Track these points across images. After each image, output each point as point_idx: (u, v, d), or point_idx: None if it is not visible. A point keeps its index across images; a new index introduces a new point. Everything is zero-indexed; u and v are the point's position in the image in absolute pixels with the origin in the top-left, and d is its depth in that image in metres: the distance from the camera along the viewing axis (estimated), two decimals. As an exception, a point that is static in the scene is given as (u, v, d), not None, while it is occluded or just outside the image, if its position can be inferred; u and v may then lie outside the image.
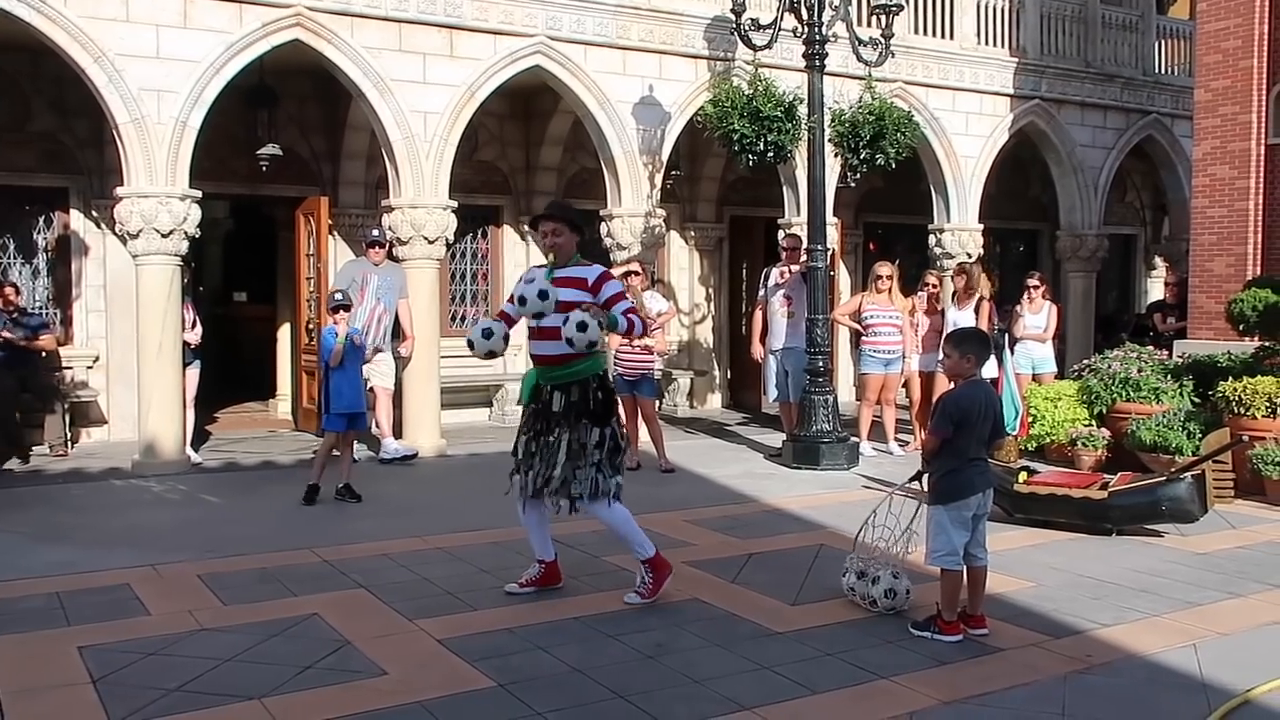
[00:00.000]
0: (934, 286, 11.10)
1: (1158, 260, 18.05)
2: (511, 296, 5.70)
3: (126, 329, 10.42)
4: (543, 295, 5.38)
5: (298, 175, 12.19)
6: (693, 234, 14.60)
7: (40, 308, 11.05)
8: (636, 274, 10.40)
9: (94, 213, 11.15)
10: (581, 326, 5.22)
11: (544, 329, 5.46)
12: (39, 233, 11.22)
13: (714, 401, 14.80)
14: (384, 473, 9.55)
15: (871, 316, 10.39)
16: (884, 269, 10.58)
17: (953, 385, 5.27)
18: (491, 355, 5.62)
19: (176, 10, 9.20)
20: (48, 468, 9.54)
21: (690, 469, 9.65)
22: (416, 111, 10.22)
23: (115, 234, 10.17)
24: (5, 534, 6.96)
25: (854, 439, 10.14)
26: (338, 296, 8.69)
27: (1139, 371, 9.75)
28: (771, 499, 8.31)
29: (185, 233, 9.35)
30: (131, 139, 9.13)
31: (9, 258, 11.08)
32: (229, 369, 13.86)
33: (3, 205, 10.99)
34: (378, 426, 10.08)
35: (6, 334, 9.82)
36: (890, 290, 10.48)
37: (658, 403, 10.67)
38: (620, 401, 9.83)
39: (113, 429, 11.18)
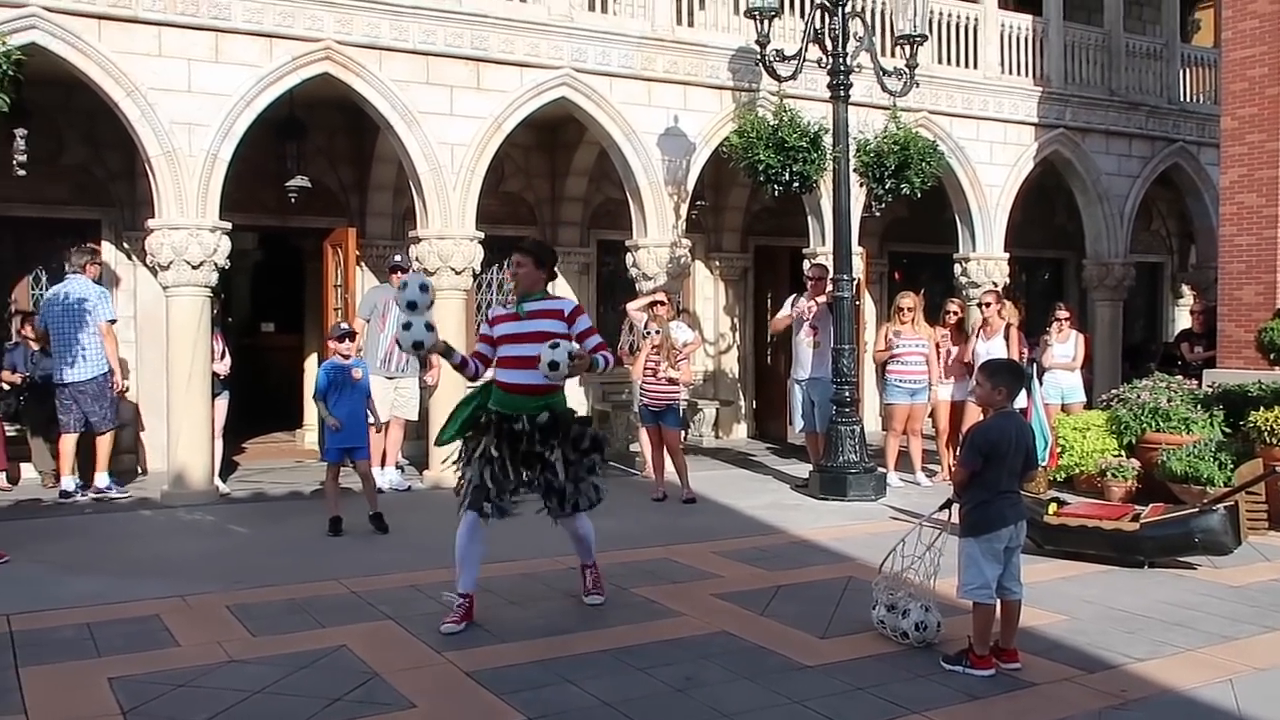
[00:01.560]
0: (956, 314, 11.03)
1: (1185, 289, 17.94)
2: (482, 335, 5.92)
3: (156, 360, 10.50)
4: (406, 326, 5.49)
5: (326, 207, 12.29)
6: (718, 264, 14.62)
7: (71, 339, 11.15)
8: (662, 304, 10.44)
9: (125, 244, 11.28)
10: (553, 365, 5.39)
11: (522, 358, 5.60)
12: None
13: (739, 431, 14.76)
14: (411, 503, 9.57)
15: (898, 346, 10.35)
16: (906, 300, 10.54)
17: (984, 416, 5.24)
18: (419, 346, 5.52)
19: (208, 45, 9.34)
20: (77, 498, 9.59)
21: (716, 500, 9.61)
22: (443, 143, 10.31)
23: (146, 265, 10.28)
24: (36, 564, 7.00)
25: (881, 470, 10.09)
26: (342, 326, 8.63)
27: (1168, 401, 9.67)
28: (799, 530, 8.27)
29: (215, 264, 9.44)
30: (163, 171, 9.24)
31: (41, 289, 11.20)
32: (257, 399, 13.93)
33: (36, 237, 11.13)
34: (384, 457, 10.14)
35: (7, 377, 9.95)
36: (914, 320, 10.44)
37: (682, 434, 10.64)
38: (645, 432, 9.91)
39: (142, 459, 11.24)
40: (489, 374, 5.87)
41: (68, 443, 9.55)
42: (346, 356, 8.18)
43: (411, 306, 5.46)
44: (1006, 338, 10.30)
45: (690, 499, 9.35)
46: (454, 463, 5.91)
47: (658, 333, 9.54)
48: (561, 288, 13.42)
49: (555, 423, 5.67)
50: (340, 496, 8.22)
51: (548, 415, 5.64)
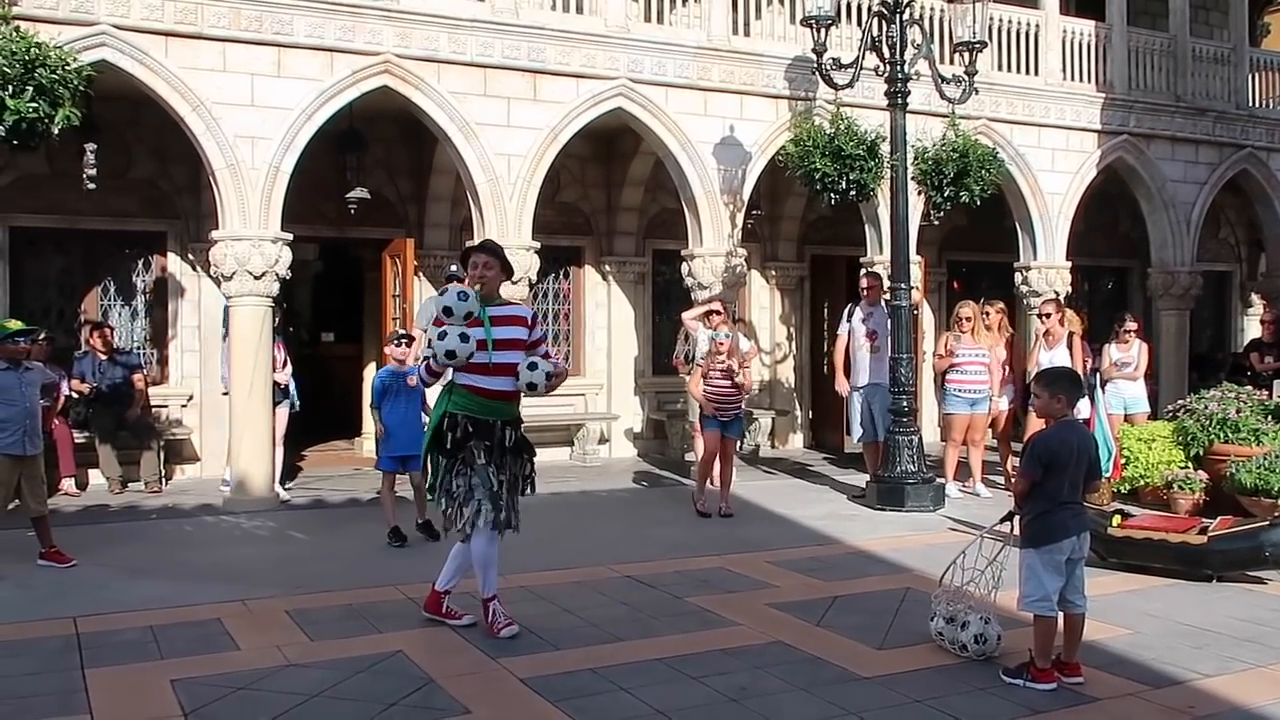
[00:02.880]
0: (994, 315, 10.67)
1: (1254, 297, 17.53)
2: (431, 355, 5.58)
3: (219, 368, 10.66)
4: (464, 338, 5.41)
5: (385, 218, 12.43)
6: (774, 273, 14.57)
7: (138, 348, 11.41)
8: (717, 313, 10.41)
9: (190, 256, 11.50)
10: (531, 386, 5.44)
11: (501, 365, 5.53)
12: (138, 275, 11.60)
13: (795, 441, 14.67)
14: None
15: (958, 356, 10.21)
16: (965, 309, 10.38)
17: (1045, 425, 5.16)
18: (451, 355, 5.41)
19: (271, 60, 9.50)
20: (142, 504, 9.79)
21: (772, 510, 9.56)
22: (500, 154, 10.38)
23: (210, 276, 10.49)
24: (102, 568, 7.15)
25: (940, 480, 9.96)
26: (400, 332, 8.73)
27: (1237, 412, 9.44)
28: (855, 540, 8.19)
29: (277, 274, 9.58)
30: (227, 184, 9.41)
31: (110, 299, 11.47)
32: (317, 407, 14.08)
33: (104, 249, 11.41)
34: None
35: (76, 385, 10.20)
36: (973, 330, 10.28)
37: (738, 443, 10.54)
38: (706, 440, 9.82)
39: (205, 466, 11.43)
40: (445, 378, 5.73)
41: None
42: (401, 362, 8.20)
43: (468, 316, 5.43)
44: (1070, 347, 10.12)
45: (729, 513, 9.23)
46: (437, 480, 5.67)
47: (727, 336, 9.43)
48: (617, 297, 13.47)
49: (519, 444, 5.67)
50: (397, 506, 8.27)
51: (514, 436, 5.64)
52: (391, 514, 8.14)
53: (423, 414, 8.25)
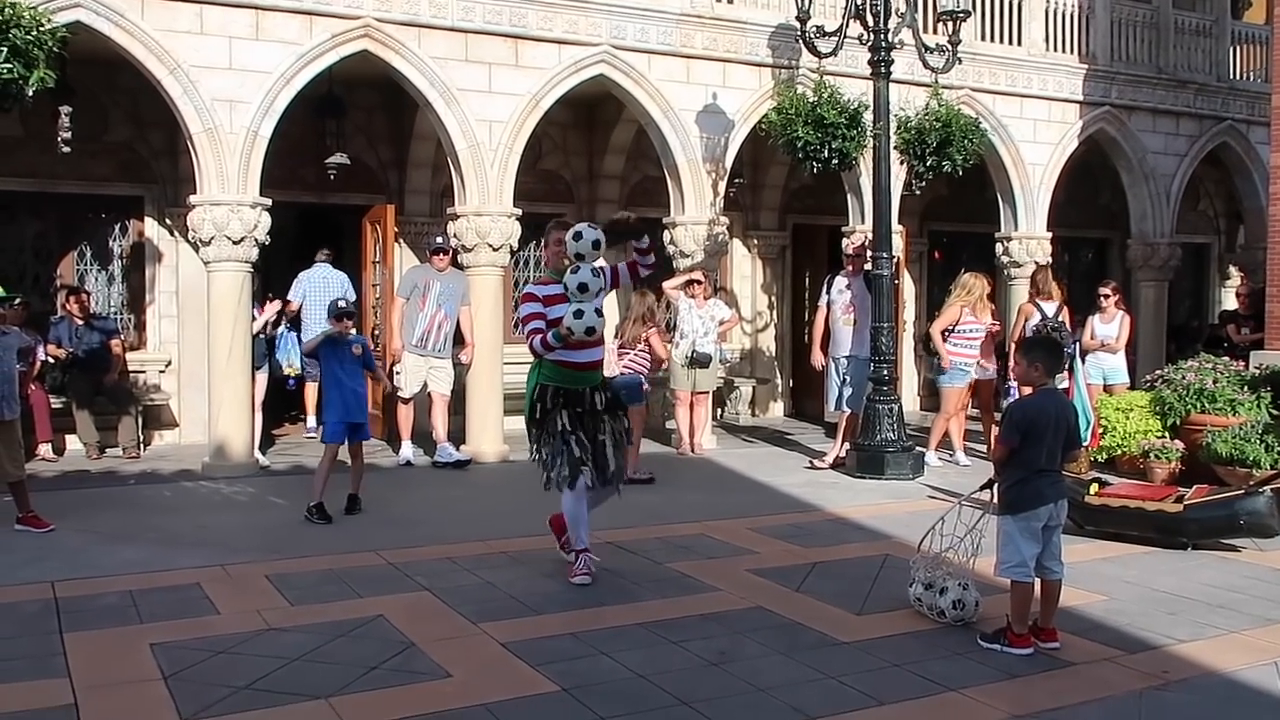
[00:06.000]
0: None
1: (1232, 269, 17.65)
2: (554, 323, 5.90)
3: (197, 334, 10.60)
4: (599, 312, 5.84)
5: (365, 184, 12.33)
6: (756, 242, 14.55)
7: (115, 313, 11.32)
8: (699, 282, 10.40)
9: (167, 220, 11.39)
10: (590, 331, 5.75)
11: (583, 340, 5.86)
12: (114, 240, 11.48)
13: (776, 410, 14.71)
14: (447, 477, 9.63)
15: (973, 330, 10.14)
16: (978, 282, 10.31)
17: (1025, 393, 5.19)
18: (591, 331, 5.77)
19: (249, 22, 9.37)
20: (121, 469, 9.74)
21: (753, 477, 9.59)
22: (482, 120, 10.30)
23: (188, 241, 10.40)
24: (81, 534, 7.12)
25: (919, 449, 9.99)
26: (340, 304, 8.09)
27: (1214, 382, 9.52)
28: (835, 508, 8.24)
29: (255, 240, 9.51)
30: (205, 148, 9.31)
31: (86, 264, 11.36)
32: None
33: (80, 214, 11.28)
34: (434, 431, 10.20)
35: (53, 351, 10.13)
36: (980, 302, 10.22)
37: (719, 411, 10.57)
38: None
39: (183, 432, 11.38)
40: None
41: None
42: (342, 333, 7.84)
43: (583, 289, 5.72)
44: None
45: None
46: (533, 446, 6.20)
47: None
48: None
49: (610, 405, 6.08)
50: (330, 481, 7.77)
51: (603, 399, 6.05)
52: (320, 488, 7.67)
53: (366, 379, 8.06)
